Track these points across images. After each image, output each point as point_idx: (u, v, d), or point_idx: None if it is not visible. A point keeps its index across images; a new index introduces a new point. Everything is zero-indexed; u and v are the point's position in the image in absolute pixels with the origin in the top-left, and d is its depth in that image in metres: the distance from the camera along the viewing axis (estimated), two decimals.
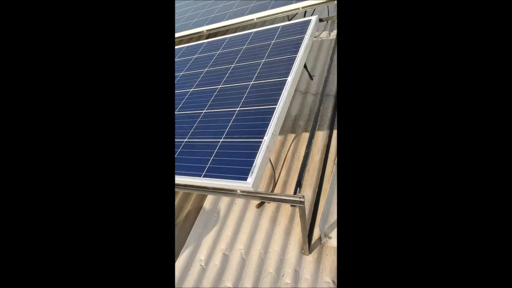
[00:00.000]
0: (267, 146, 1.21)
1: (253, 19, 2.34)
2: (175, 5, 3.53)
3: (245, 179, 1.12)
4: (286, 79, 1.48)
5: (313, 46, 2.98)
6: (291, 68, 1.55)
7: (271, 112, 1.35)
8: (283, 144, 2.22)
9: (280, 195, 1.01)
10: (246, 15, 2.38)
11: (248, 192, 1.11)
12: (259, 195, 1.07)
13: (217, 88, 1.73)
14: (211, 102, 1.65)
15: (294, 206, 1.02)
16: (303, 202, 0.99)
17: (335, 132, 2.22)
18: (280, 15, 2.23)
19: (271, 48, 1.80)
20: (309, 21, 1.86)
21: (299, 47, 1.67)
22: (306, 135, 2.24)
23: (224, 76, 1.79)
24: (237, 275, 1.64)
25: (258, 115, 1.38)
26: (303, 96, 2.53)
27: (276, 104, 1.37)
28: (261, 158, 1.16)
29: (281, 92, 1.42)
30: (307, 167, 2.06)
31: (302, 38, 1.73)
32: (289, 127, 2.32)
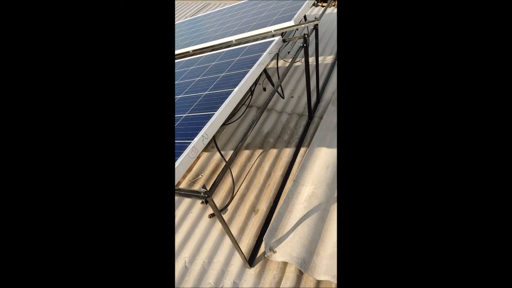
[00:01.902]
0: (193, 147, 1.25)
1: (232, 41, 2.50)
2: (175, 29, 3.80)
3: None
4: (233, 90, 1.56)
5: (297, 69, 3.08)
6: (240, 81, 1.63)
7: (209, 117, 1.41)
8: (249, 158, 2.25)
9: (184, 190, 1.04)
10: (227, 36, 2.55)
11: None
12: None
13: (178, 98, 1.84)
14: None
15: (203, 203, 1.04)
16: (206, 197, 1.01)
17: (301, 150, 2.23)
18: (257, 36, 2.37)
19: (234, 63, 1.91)
20: (272, 41, 1.97)
21: (255, 63, 1.76)
22: (273, 151, 2.26)
23: (187, 88, 1.90)
24: (176, 284, 1.61)
25: (198, 119, 1.45)
26: (278, 114, 2.59)
27: (215, 111, 1.44)
28: (183, 157, 1.20)
29: (223, 101, 1.49)
30: (268, 182, 2.06)
31: (260, 55, 1.83)
32: (259, 143, 2.36)
